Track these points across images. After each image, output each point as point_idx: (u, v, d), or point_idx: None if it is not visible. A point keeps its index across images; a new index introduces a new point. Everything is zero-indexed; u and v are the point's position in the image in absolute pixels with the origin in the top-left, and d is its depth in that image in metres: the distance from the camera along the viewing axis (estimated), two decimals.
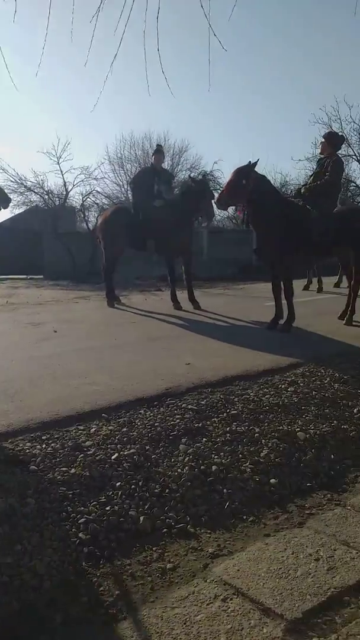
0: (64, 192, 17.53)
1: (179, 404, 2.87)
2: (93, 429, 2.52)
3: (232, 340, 4.66)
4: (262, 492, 2.07)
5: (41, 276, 15.63)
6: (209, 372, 3.53)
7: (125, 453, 2.25)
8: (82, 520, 1.78)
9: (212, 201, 6.60)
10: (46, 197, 17.22)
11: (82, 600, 1.45)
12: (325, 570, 1.57)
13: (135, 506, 1.89)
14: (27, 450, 2.28)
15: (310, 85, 43.33)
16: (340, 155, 5.90)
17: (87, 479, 2.04)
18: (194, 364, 3.79)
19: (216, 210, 9.51)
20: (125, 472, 2.11)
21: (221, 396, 2.99)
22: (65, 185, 17.33)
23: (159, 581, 1.55)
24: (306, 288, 9.28)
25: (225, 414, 2.73)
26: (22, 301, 8.74)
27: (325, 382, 3.33)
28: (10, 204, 4.94)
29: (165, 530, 1.80)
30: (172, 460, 2.24)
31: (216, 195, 6.03)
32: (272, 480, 2.13)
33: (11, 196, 4.50)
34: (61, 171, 17.75)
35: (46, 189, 17.20)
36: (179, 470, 2.14)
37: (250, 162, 5.04)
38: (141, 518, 1.82)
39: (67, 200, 18.27)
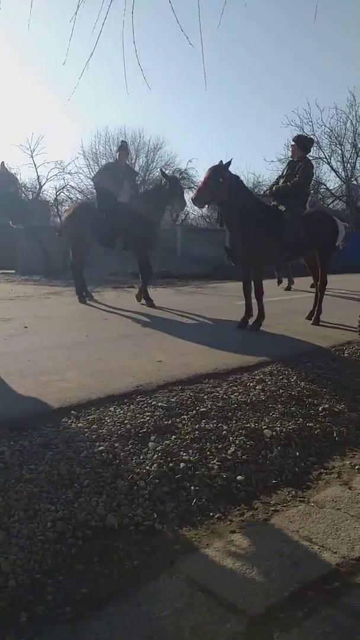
0: (37, 186, 17.28)
1: (149, 401, 2.88)
2: (62, 426, 2.51)
3: (202, 339, 4.70)
4: (228, 489, 2.10)
5: (13, 271, 15.34)
6: (179, 370, 3.55)
7: (94, 450, 2.25)
8: (49, 517, 1.77)
9: (183, 195, 6.65)
10: (19, 190, 16.91)
11: (47, 598, 1.45)
12: (289, 565, 1.61)
13: (103, 503, 1.89)
14: None
15: (284, 87, 44.05)
16: (310, 158, 6.00)
17: (55, 476, 2.03)
18: (164, 362, 3.80)
19: (191, 209, 9.57)
20: (93, 469, 2.11)
21: (191, 394, 3.01)
22: (38, 179, 17.11)
23: (126, 578, 1.56)
24: (288, 288, 9.36)
25: (194, 412, 2.75)
26: None
27: (292, 380, 3.39)
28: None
29: (132, 527, 1.81)
30: (141, 457, 2.25)
31: (192, 193, 6.07)
32: (239, 477, 2.16)
33: None
34: (34, 164, 17.51)
35: (19, 182, 16.90)
36: (147, 467, 2.15)
37: (221, 161, 5.07)
38: (109, 515, 1.83)
39: (40, 194, 18.02)
